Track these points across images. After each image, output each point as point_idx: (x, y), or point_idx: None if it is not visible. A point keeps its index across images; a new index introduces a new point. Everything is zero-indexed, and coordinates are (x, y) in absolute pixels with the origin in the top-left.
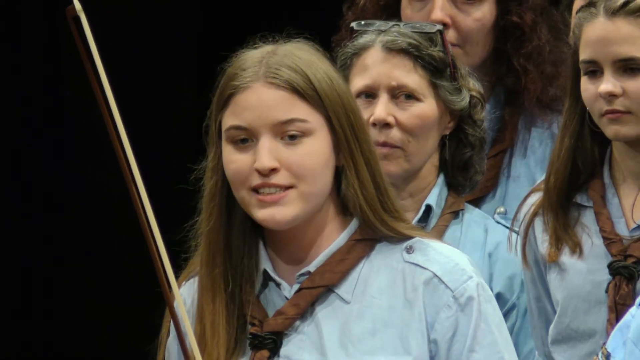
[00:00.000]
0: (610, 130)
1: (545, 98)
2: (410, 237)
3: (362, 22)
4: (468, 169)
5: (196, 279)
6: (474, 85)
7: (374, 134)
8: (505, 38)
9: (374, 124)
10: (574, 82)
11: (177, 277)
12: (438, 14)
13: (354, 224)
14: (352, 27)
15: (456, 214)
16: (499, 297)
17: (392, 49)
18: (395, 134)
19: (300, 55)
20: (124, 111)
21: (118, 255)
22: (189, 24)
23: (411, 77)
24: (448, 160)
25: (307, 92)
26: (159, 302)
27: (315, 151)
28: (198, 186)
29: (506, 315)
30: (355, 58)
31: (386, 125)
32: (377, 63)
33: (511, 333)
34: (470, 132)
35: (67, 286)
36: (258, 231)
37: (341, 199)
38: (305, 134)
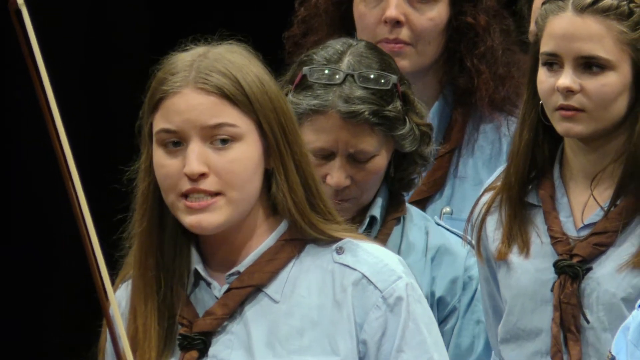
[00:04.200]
0: (561, 127)
1: (497, 98)
2: (340, 239)
3: (314, 71)
4: (411, 185)
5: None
6: (422, 114)
7: (328, 191)
8: (458, 38)
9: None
10: (533, 74)
11: (112, 278)
12: (393, 11)
13: (283, 225)
14: (305, 75)
15: (398, 220)
16: (441, 300)
17: (351, 118)
18: (349, 192)
19: (231, 59)
20: (67, 110)
21: (63, 258)
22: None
23: (369, 141)
24: (391, 177)
25: (237, 97)
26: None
27: (245, 157)
28: (131, 187)
29: (447, 317)
30: (311, 114)
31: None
32: (334, 129)
33: (450, 335)
34: (418, 161)
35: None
36: (190, 232)
37: (271, 200)
38: (234, 138)
